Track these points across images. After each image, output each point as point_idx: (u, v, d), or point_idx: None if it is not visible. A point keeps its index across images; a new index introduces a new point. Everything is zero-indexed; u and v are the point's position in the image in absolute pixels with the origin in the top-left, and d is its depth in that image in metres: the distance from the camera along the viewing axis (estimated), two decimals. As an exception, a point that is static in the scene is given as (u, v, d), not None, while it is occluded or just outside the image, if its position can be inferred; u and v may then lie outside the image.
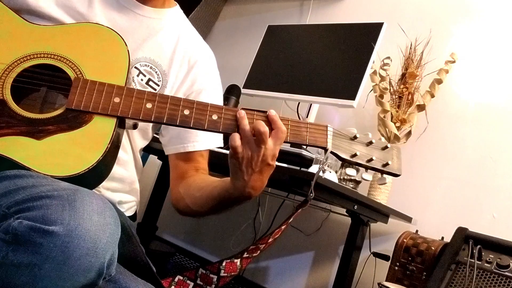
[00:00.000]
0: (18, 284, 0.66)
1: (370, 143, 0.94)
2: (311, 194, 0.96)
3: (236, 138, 0.84)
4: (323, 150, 0.92)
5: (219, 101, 1.17)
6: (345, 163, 0.94)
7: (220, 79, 1.19)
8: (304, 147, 1.62)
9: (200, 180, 1.05)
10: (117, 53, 0.93)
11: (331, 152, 0.91)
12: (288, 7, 2.63)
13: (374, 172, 0.95)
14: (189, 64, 1.10)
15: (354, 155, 0.92)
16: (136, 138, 1.08)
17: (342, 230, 1.88)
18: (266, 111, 0.87)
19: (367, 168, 0.94)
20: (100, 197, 0.73)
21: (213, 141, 1.12)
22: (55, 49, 0.91)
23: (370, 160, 0.92)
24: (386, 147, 0.95)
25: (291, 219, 1.01)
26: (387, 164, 0.93)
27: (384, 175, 0.95)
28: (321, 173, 0.96)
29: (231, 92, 1.99)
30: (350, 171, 0.93)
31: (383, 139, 0.96)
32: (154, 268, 0.94)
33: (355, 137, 0.93)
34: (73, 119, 0.85)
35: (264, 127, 0.83)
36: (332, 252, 1.96)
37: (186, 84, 1.10)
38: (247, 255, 0.99)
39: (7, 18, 0.95)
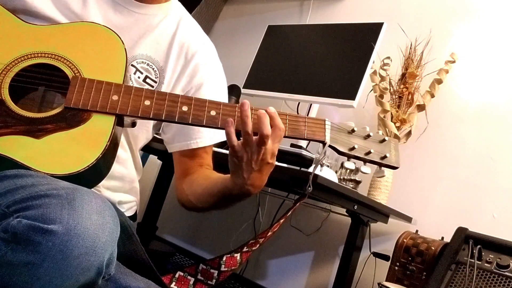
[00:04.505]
0: (17, 283, 0.66)
1: (368, 136, 0.94)
2: (309, 188, 0.96)
3: (233, 136, 0.84)
4: (323, 150, 0.92)
5: (223, 93, 1.15)
6: (345, 162, 0.93)
7: (222, 70, 1.17)
8: (304, 147, 1.62)
9: (203, 176, 1.05)
10: (114, 51, 0.93)
11: (329, 146, 0.91)
12: (288, 7, 2.63)
13: (372, 165, 0.94)
14: (186, 58, 1.09)
15: (352, 148, 0.92)
16: (137, 137, 1.07)
17: (342, 230, 1.87)
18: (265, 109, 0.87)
19: (365, 161, 0.93)
20: (100, 196, 0.73)
21: (216, 136, 1.11)
22: (52, 49, 0.91)
23: (369, 153, 0.92)
24: (384, 140, 0.95)
25: (290, 213, 1.01)
26: (385, 156, 0.93)
27: (382, 168, 0.95)
28: (319, 168, 0.95)
29: (231, 92, 1.99)
30: (349, 165, 0.93)
31: (380, 132, 0.96)
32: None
33: (353, 131, 0.93)
34: (72, 118, 0.85)
35: (268, 130, 0.83)
36: (332, 252, 1.96)
37: (184, 80, 1.08)
38: (247, 249, 0.99)
39: (3, 18, 0.95)
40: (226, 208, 1.00)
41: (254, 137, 0.84)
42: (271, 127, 0.84)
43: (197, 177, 1.06)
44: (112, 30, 0.95)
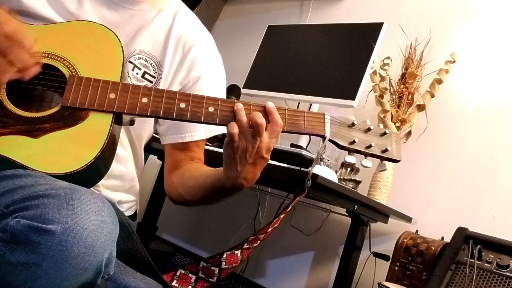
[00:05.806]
0: (16, 283, 0.66)
1: (369, 129, 0.92)
2: (308, 182, 0.95)
3: (234, 126, 0.84)
4: (322, 144, 0.91)
5: (221, 87, 1.14)
6: (346, 157, 0.92)
7: (221, 63, 1.16)
8: (304, 147, 1.62)
9: (194, 169, 1.05)
10: (110, 49, 0.93)
11: (329, 140, 0.90)
12: (288, 7, 2.63)
13: (374, 159, 0.93)
14: (184, 50, 1.08)
15: (353, 142, 0.90)
16: (139, 134, 1.07)
17: (342, 230, 1.87)
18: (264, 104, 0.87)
19: (366, 154, 0.92)
20: (99, 196, 0.73)
21: (212, 130, 1.10)
22: (49, 48, 0.91)
23: (369, 146, 0.91)
24: (384, 133, 0.93)
25: (290, 207, 1.01)
26: (386, 150, 0.92)
27: (384, 162, 0.94)
28: (318, 165, 0.94)
29: (231, 92, 1.99)
30: (350, 159, 0.92)
31: (381, 125, 0.95)
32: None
33: (353, 124, 0.92)
34: (69, 117, 0.85)
35: (261, 119, 0.83)
36: (332, 252, 1.96)
37: (181, 73, 1.07)
38: (247, 246, 0.98)
39: None
40: (216, 201, 0.99)
41: (250, 129, 0.84)
42: (269, 122, 0.85)
43: (188, 170, 1.05)
44: (108, 27, 0.95)
